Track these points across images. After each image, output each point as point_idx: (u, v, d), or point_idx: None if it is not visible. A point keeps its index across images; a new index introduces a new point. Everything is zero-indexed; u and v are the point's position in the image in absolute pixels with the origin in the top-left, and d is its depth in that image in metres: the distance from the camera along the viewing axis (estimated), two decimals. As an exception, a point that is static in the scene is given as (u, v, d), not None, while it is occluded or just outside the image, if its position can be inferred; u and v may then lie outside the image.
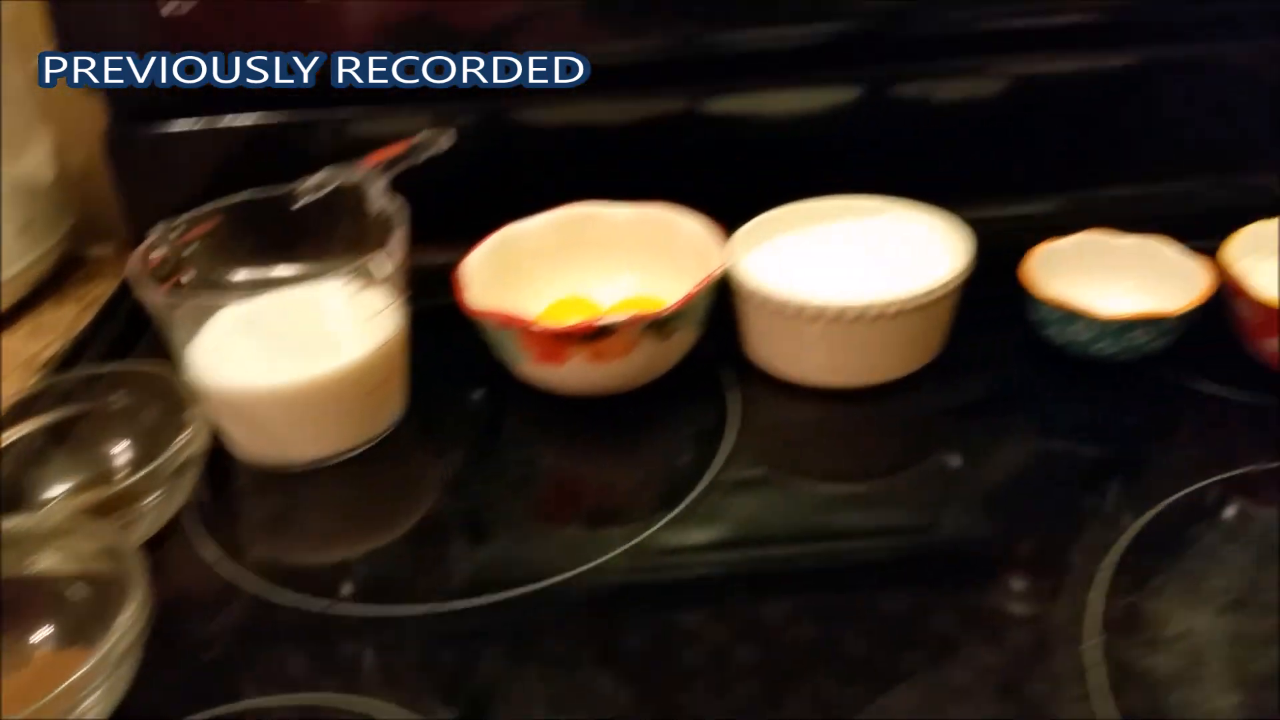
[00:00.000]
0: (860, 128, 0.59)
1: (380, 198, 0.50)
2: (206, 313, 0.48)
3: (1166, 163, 0.60)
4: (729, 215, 0.54)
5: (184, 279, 0.49)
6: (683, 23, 0.57)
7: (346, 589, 0.43)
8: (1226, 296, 0.47)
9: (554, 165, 0.61)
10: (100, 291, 0.66)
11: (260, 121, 0.60)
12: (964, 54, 0.58)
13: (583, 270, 0.55)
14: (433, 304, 0.50)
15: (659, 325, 0.47)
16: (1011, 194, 0.61)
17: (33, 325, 0.63)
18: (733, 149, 0.60)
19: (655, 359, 0.49)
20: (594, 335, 0.47)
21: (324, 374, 0.47)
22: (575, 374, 0.48)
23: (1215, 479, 0.43)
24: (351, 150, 0.54)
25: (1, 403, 0.49)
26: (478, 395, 0.53)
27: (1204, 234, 0.51)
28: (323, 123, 0.60)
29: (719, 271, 0.49)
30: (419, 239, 0.51)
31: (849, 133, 0.60)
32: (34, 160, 0.64)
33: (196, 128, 0.60)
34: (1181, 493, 0.42)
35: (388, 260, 0.47)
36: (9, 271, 0.62)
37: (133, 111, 0.61)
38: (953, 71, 0.58)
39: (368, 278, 0.47)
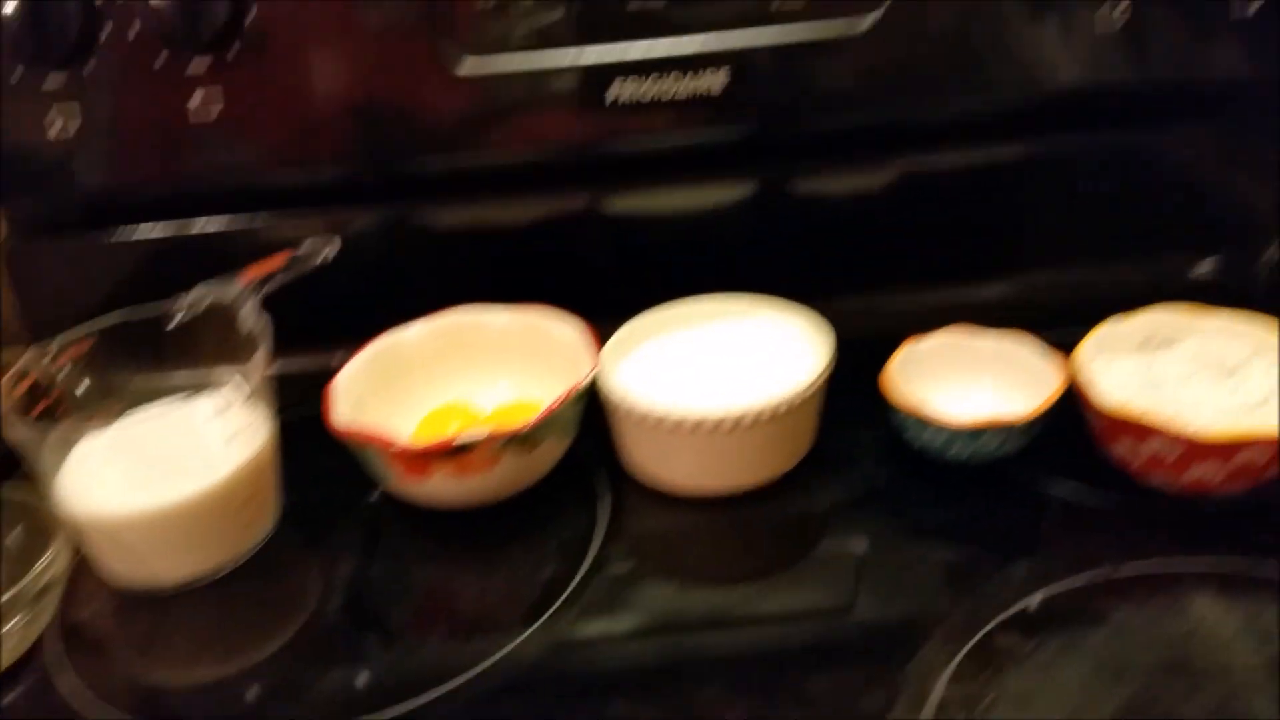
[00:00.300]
0: (740, 225, 0.61)
1: (251, 316, 0.51)
2: (72, 440, 0.48)
3: (1047, 253, 0.61)
4: (612, 311, 0.55)
5: (55, 403, 0.50)
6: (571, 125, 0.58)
7: (219, 712, 0.43)
8: (1077, 398, 0.48)
9: (440, 266, 0.62)
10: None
11: (156, 234, 0.61)
12: (839, 151, 0.60)
13: (463, 375, 0.56)
14: (311, 411, 0.51)
15: (521, 439, 0.48)
16: (887, 287, 0.62)
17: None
18: (616, 248, 0.61)
19: (520, 471, 0.50)
20: (454, 452, 0.47)
21: (188, 494, 0.47)
22: (441, 489, 0.49)
23: (1058, 587, 0.43)
24: (243, 257, 0.56)
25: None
26: (353, 505, 0.53)
27: (1079, 322, 0.52)
28: (217, 233, 0.61)
29: (580, 385, 0.49)
30: (295, 344, 0.52)
31: (731, 230, 0.61)
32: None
33: (93, 240, 0.61)
34: (1018, 605, 0.42)
35: (250, 378, 0.48)
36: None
37: (30, 224, 0.62)
38: (829, 168, 0.60)
39: (231, 396, 0.48)
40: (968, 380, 0.52)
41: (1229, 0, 0.54)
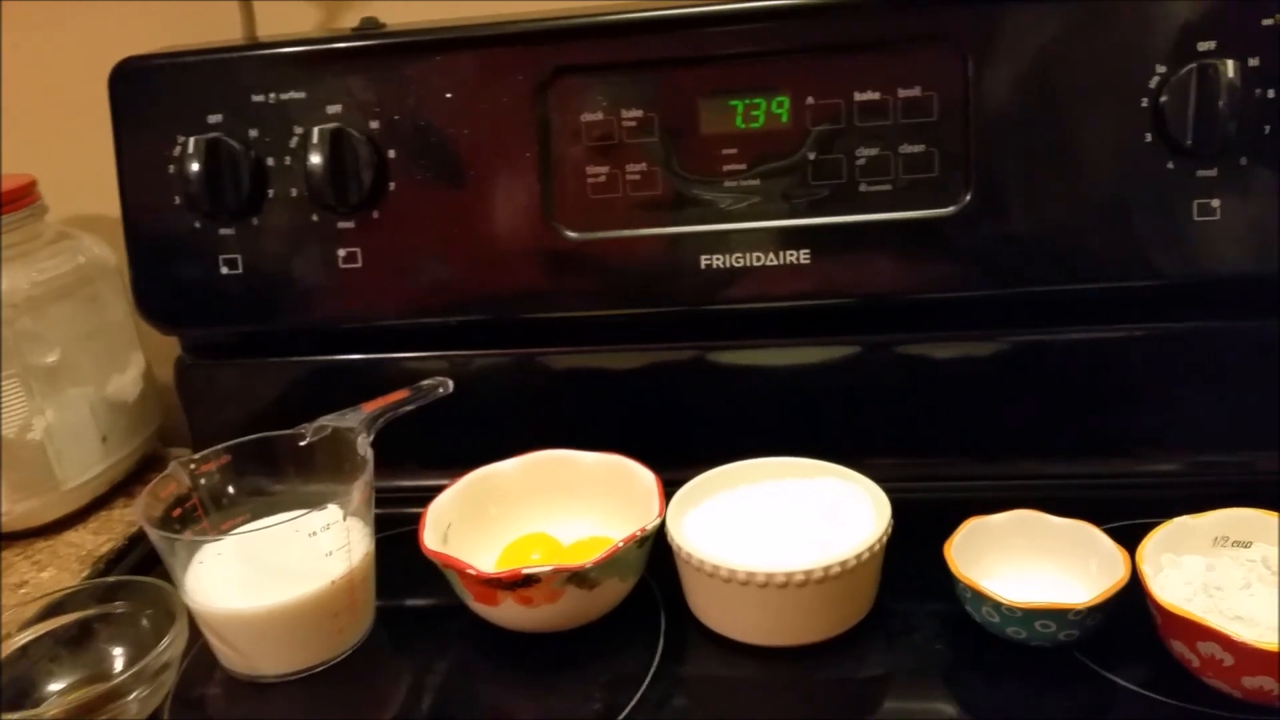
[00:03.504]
0: (814, 388, 0.64)
1: (365, 443, 0.57)
2: (202, 540, 0.55)
3: (1130, 438, 0.61)
4: (692, 458, 0.58)
5: (192, 508, 0.57)
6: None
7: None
8: (1140, 592, 0.47)
9: (539, 405, 0.67)
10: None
11: (300, 362, 0.69)
12: (923, 321, 0.62)
13: (548, 509, 0.60)
14: (410, 528, 0.56)
15: (581, 577, 0.51)
16: (957, 456, 0.63)
17: (101, 521, 0.73)
18: (701, 399, 0.65)
19: (583, 606, 0.53)
20: (520, 583, 0.51)
21: (291, 600, 0.53)
22: (509, 614, 0.53)
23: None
24: (370, 385, 0.62)
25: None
26: (440, 617, 0.57)
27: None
28: (352, 364, 0.69)
29: (641, 533, 0.52)
30: (399, 463, 0.57)
31: (804, 393, 0.64)
32: (128, 379, 0.76)
33: (248, 364, 0.70)
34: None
35: (353, 499, 0.54)
36: (85, 476, 0.72)
37: (200, 347, 0.71)
38: (900, 340, 0.62)
39: (335, 514, 0.53)
40: (1035, 561, 0.52)
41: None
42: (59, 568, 0.67)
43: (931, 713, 0.48)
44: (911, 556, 0.52)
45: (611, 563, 0.51)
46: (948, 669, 0.50)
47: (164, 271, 0.67)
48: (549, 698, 0.51)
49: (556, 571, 0.50)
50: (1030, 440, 0.62)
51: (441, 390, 0.62)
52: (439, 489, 0.59)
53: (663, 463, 0.58)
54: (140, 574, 0.64)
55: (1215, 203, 0.55)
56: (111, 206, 0.80)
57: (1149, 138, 0.56)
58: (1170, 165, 0.55)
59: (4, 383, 0.67)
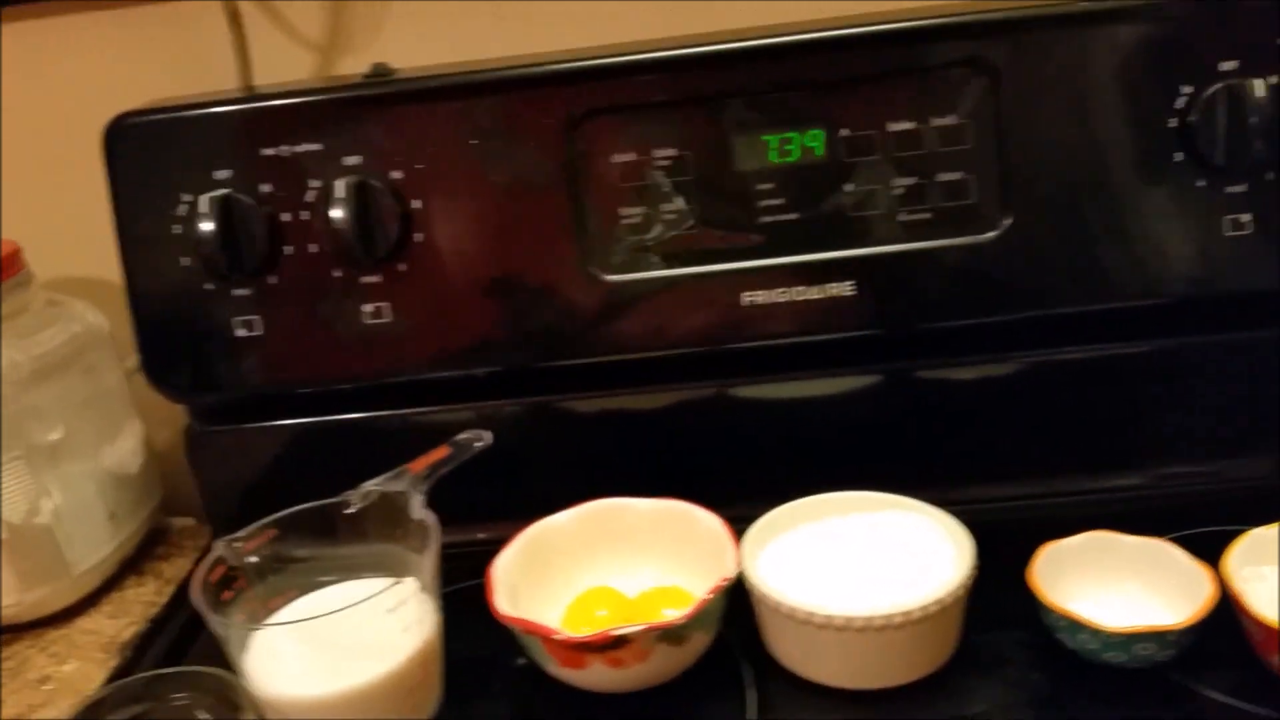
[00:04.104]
0: (859, 418, 0.63)
1: (419, 507, 0.55)
2: (256, 620, 0.53)
3: (1177, 449, 0.62)
4: (732, 503, 0.57)
5: (240, 589, 0.54)
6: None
7: None
8: (1230, 607, 0.48)
9: (574, 453, 0.66)
10: (179, 565, 0.72)
11: (321, 421, 0.66)
12: (966, 345, 0.62)
13: (608, 561, 0.59)
14: (462, 585, 0.54)
15: (673, 634, 0.50)
16: (1008, 479, 0.63)
17: (115, 604, 0.69)
18: (745, 437, 0.64)
19: (672, 662, 0.52)
20: (611, 645, 0.50)
21: (366, 682, 0.50)
22: (596, 677, 0.51)
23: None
24: (399, 443, 0.60)
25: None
26: (509, 685, 0.56)
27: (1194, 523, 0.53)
28: (378, 421, 0.66)
29: (725, 582, 0.52)
30: (450, 520, 0.55)
31: (851, 423, 0.63)
32: (125, 450, 0.71)
33: (264, 426, 0.67)
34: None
35: (425, 572, 0.52)
36: (96, 557, 0.68)
37: (209, 413, 0.68)
38: (943, 365, 0.63)
39: (407, 590, 0.51)
40: (1112, 582, 0.53)
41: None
42: (81, 659, 0.63)
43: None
44: (983, 585, 0.52)
45: (700, 616, 0.51)
46: (1047, 699, 0.50)
47: (174, 337, 0.64)
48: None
49: (649, 630, 0.49)
50: (1082, 456, 0.63)
51: (479, 444, 0.61)
52: (480, 543, 0.57)
53: (716, 505, 0.58)
54: (173, 660, 0.61)
55: (1246, 218, 0.57)
56: (95, 268, 0.77)
57: (1179, 157, 0.57)
58: (1201, 183, 0.57)
59: (7, 465, 0.63)
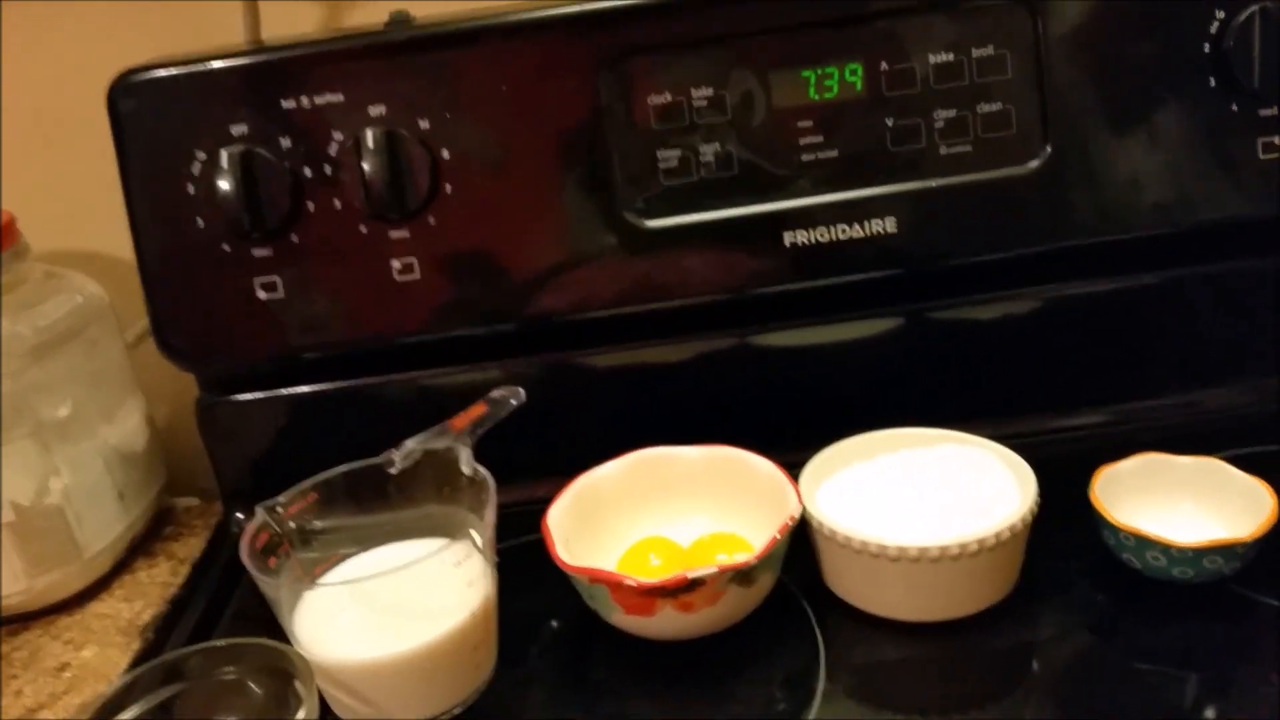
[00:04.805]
0: (900, 357, 0.63)
1: (469, 462, 0.53)
2: (304, 585, 0.51)
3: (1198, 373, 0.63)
4: (777, 448, 0.57)
5: (285, 554, 0.52)
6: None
7: None
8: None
9: (612, 407, 0.64)
10: (191, 545, 0.69)
11: (339, 386, 0.64)
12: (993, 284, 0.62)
13: (656, 511, 0.58)
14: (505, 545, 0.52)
15: (744, 574, 0.49)
16: (1053, 410, 0.63)
17: (128, 587, 0.65)
18: (781, 384, 0.64)
19: (740, 605, 0.51)
20: (683, 589, 0.48)
21: (432, 640, 0.48)
22: (664, 623, 0.50)
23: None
24: (420, 406, 0.58)
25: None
26: (565, 642, 0.55)
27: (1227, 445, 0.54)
28: (394, 385, 0.64)
29: (792, 520, 0.51)
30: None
31: (892, 362, 0.63)
32: (129, 427, 0.68)
33: (279, 395, 0.64)
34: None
35: (484, 529, 0.50)
36: (107, 539, 0.65)
37: (221, 383, 0.65)
38: (985, 300, 0.63)
39: (469, 547, 0.49)
40: (1168, 501, 0.53)
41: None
42: (100, 644, 0.60)
43: (1118, 664, 0.48)
44: (1040, 513, 0.52)
45: (770, 556, 0.50)
46: (1115, 618, 0.50)
47: (190, 303, 0.61)
48: (728, 705, 0.49)
49: (722, 572, 0.48)
50: (1127, 383, 0.63)
51: (515, 401, 0.59)
52: (513, 504, 0.54)
53: (766, 449, 0.57)
54: (199, 638, 0.59)
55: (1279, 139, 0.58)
56: (90, 239, 0.73)
57: (1212, 82, 0.57)
58: (1234, 107, 0.58)
59: (15, 443, 0.59)
